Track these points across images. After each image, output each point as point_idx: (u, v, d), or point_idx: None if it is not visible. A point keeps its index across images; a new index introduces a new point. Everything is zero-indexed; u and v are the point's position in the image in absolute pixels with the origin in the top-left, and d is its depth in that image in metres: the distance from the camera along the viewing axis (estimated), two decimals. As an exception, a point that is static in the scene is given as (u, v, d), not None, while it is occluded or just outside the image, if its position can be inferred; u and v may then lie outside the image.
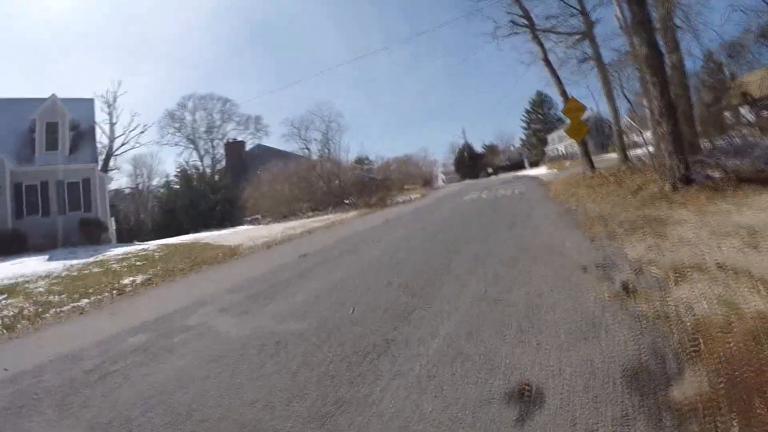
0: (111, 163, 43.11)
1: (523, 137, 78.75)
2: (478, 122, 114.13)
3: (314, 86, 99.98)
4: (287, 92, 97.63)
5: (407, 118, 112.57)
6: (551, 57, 15.85)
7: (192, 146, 57.58)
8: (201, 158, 55.41)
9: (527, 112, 76.19)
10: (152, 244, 18.63)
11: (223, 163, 46.45)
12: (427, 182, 33.69)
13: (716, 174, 8.73)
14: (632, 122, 18.11)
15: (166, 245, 17.48)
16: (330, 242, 9.92)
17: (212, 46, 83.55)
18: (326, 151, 68.61)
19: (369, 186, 22.95)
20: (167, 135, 56.15)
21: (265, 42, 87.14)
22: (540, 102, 74.70)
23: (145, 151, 59.68)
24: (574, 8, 14.56)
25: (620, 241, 4.98)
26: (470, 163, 66.32)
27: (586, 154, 14.73)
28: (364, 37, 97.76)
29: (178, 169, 38.23)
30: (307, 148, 67.15)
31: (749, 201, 5.77)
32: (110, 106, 38.81)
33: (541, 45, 15.97)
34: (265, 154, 40.76)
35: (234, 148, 44.71)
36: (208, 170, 52.17)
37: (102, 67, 70.01)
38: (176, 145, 56.56)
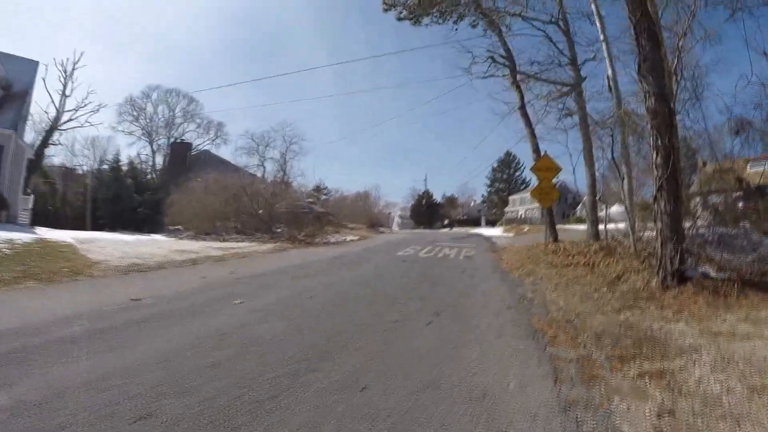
0: (55, 138, 38.85)
1: (485, 194, 78.79)
2: (443, 171, 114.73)
3: (288, 108, 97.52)
4: (259, 108, 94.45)
5: (374, 154, 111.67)
6: (529, 111, 13.94)
7: (147, 139, 53.41)
8: (153, 154, 51.27)
9: (493, 170, 76.39)
10: (32, 236, 14.81)
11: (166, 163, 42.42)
12: (373, 224, 31.04)
13: (710, 271, 6.74)
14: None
15: (42, 240, 13.82)
16: (194, 285, 6.98)
17: (200, 47, 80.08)
18: (281, 172, 65.93)
19: (302, 218, 20.04)
20: (124, 122, 52.14)
21: (251, 53, 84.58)
22: (508, 162, 75.17)
23: (103, 135, 54.53)
24: (565, 55, 12.72)
25: (605, 389, 2.74)
26: (427, 212, 64.78)
27: (551, 223, 12.54)
28: (349, 64, 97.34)
29: (111, 158, 33.84)
30: (263, 166, 64.09)
31: (764, 316, 4.47)
32: (67, 76, 34.32)
33: (520, 92, 14.04)
34: (211, 162, 37.22)
35: (179, 149, 40.82)
36: (149, 166, 48.06)
37: (72, 39, 64.38)
38: (130, 134, 52.48)
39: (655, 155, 7.04)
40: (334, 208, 48.18)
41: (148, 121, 55.47)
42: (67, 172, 39.62)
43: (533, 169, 11.33)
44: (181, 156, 39.65)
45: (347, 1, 73.81)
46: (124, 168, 33.13)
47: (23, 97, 20.29)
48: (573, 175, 12.15)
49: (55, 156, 38.71)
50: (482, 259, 11.27)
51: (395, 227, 76.01)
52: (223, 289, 6.67)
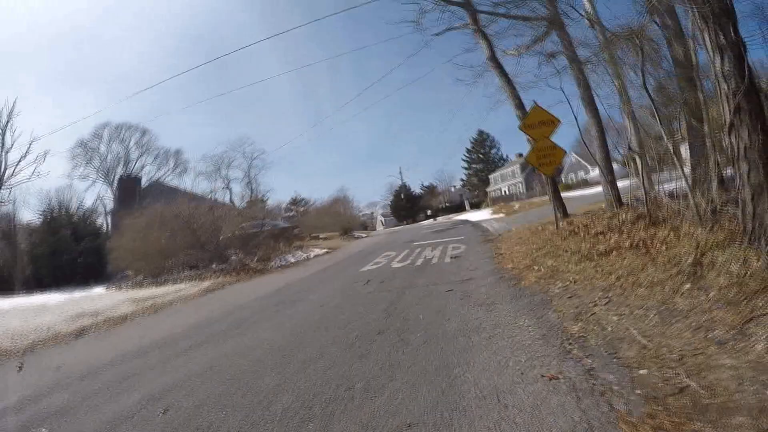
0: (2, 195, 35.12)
1: (464, 178, 76.14)
2: (419, 163, 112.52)
3: (249, 125, 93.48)
4: (219, 131, 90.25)
5: (347, 157, 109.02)
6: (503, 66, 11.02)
7: (104, 180, 49.43)
8: (115, 195, 47.51)
9: (468, 151, 73.89)
10: None
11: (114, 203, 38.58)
12: (347, 231, 27.91)
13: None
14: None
15: None
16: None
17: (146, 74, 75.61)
18: (249, 191, 62.37)
19: (254, 240, 16.83)
20: (79, 167, 48.25)
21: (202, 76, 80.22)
22: (482, 141, 72.70)
23: (64, 184, 50.34)
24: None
25: None
26: (407, 205, 61.73)
27: (556, 194, 9.56)
28: (309, 70, 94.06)
29: (43, 210, 29.94)
30: (229, 188, 60.55)
31: None
32: (3, 127, 30.66)
33: (487, 39, 11.10)
34: (164, 192, 33.72)
35: (127, 184, 37.06)
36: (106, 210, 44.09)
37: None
38: (86, 178, 48.55)
39: (718, 58, 4.24)
40: (311, 218, 45.00)
41: (101, 161, 51.78)
42: (8, 230, 35.57)
43: (523, 128, 8.42)
44: (130, 192, 35.91)
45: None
46: (60, 218, 29.27)
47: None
48: (577, 127, 9.34)
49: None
50: (475, 257, 8.30)
51: (379, 227, 72.91)
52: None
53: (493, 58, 10.75)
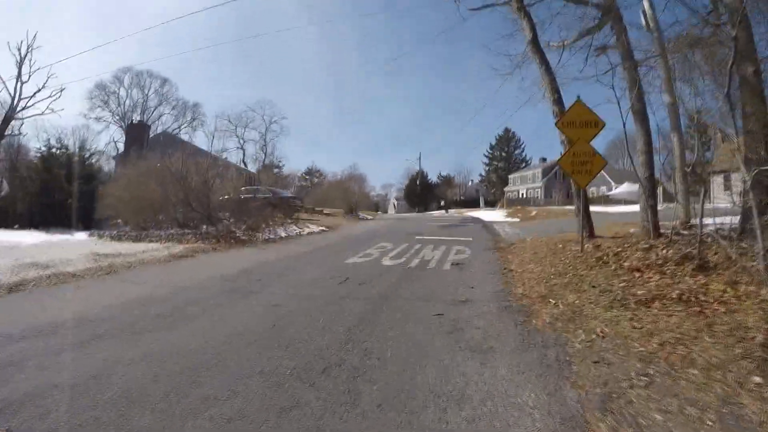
0: (13, 126, 34.69)
1: (483, 173, 74.16)
2: (440, 150, 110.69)
3: (274, 92, 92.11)
4: (244, 89, 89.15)
5: (369, 135, 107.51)
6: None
7: (120, 125, 48.92)
8: (123, 141, 47.03)
9: (492, 147, 71.97)
10: None
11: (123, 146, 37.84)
12: (352, 210, 26.69)
13: None
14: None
15: None
16: None
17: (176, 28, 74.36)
18: (263, 155, 61.38)
19: (249, 207, 15.65)
20: (96, 108, 47.79)
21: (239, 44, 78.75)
22: (507, 139, 70.63)
23: (81, 124, 49.83)
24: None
25: None
26: (422, 193, 60.20)
27: (586, 211, 8.13)
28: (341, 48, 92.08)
29: (44, 146, 29.14)
30: (242, 149, 59.63)
31: None
32: (21, 59, 29.95)
33: (530, 20, 9.59)
34: (172, 144, 32.71)
35: (136, 130, 36.20)
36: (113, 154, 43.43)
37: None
38: (101, 120, 48.15)
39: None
40: (323, 191, 43.81)
41: (118, 106, 51.14)
42: (13, 163, 35.01)
43: (561, 125, 7.02)
44: (138, 139, 35.10)
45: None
46: (58, 156, 28.43)
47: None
48: (624, 136, 7.53)
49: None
50: (480, 269, 7.05)
51: (391, 210, 71.62)
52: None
53: (535, 42, 9.25)
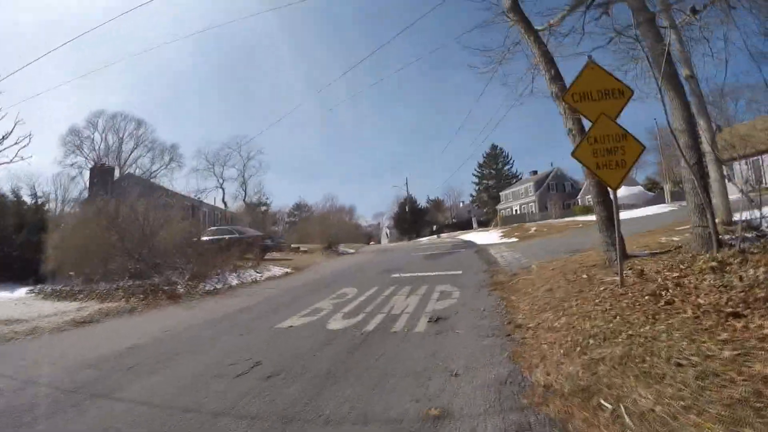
0: None
1: (474, 193, 72.08)
2: (427, 173, 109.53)
3: (260, 131, 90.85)
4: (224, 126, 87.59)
5: (357, 165, 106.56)
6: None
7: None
8: (86, 185, 44.85)
9: (480, 166, 70.11)
10: None
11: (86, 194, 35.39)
12: (331, 245, 24.07)
13: None
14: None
15: None
16: None
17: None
18: (242, 191, 59.24)
19: (200, 250, 13.17)
20: (70, 155, 46.05)
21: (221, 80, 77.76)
22: (495, 156, 68.84)
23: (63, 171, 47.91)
24: None
25: None
26: (412, 219, 57.67)
27: (612, 219, 5.64)
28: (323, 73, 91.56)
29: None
30: (222, 188, 57.63)
31: None
32: None
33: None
34: (134, 186, 30.28)
35: (100, 174, 33.78)
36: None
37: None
38: (73, 165, 46.31)
39: None
40: (306, 225, 41.31)
41: (92, 150, 49.21)
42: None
43: (568, 98, 4.67)
44: (102, 182, 32.66)
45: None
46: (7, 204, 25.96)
47: None
48: (663, 110, 5.60)
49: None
50: (472, 327, 4.61)
51: (384, 240, 68.99)
52: None
53: (516, 7, 7.05)
